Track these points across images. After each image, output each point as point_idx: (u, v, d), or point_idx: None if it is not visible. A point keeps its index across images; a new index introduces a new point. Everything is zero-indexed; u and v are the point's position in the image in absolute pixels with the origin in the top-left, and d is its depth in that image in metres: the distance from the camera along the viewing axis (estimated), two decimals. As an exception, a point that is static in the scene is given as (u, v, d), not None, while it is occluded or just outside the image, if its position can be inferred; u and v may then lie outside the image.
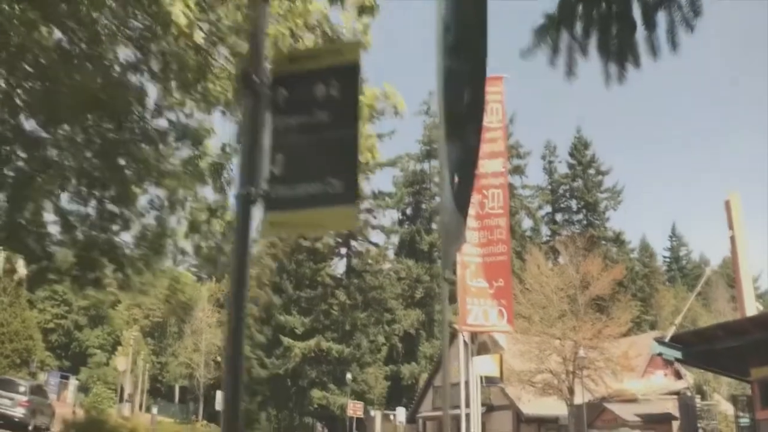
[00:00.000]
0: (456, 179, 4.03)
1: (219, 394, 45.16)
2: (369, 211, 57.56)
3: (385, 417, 44.30)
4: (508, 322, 16.81)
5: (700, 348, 21.75)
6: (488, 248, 16.69)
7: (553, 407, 30.51)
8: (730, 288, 54.43)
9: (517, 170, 63.01)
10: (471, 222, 15.60)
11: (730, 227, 24.35)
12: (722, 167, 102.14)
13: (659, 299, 60.16)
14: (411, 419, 41.10)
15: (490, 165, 17.18)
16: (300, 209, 2.97)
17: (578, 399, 26.49)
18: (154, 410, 42.79)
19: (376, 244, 59.69)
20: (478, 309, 15.92)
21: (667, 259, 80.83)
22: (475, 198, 15.74)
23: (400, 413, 41.61)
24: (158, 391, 62.50)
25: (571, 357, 26.97)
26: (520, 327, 27.46)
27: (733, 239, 24.31)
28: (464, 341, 19.43)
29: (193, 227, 8.49)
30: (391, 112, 7.75)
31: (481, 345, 22.33)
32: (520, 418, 31.47)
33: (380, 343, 53.84)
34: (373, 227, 59.92)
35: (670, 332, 21.91)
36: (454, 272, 16.01)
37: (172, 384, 62.19)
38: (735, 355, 22.20)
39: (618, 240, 66.18)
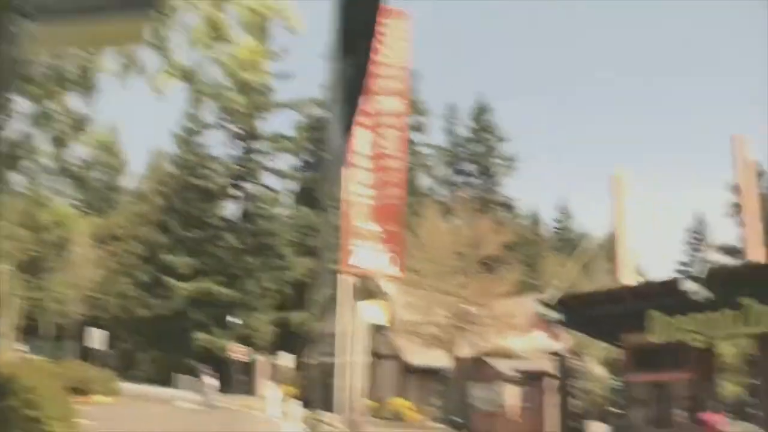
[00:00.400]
0: (343, 97, 3.82)
1: (92, 331, 42.82)
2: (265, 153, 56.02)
3: (271, 362, 43.87)
4: (400, 270, 16.55)
5: (580, 312, 22.70)
6: (382, 190, 16.15)
7: (438, 359, 31.29)
8: (612, 262, 58.12)
9: (419, 127, 63.18)
10: (363, 161, 14.92)
11: (615, 201, 25.37)
12: (609, 143, 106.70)
13: (545, 266, 63.04)
14: (298, 365, 40.87)
15: (388, 103, 16.46)
16: (76, 18, 2.21)
17: (462, 353, 27.21)
18: (25, 348, 39.96)
19: (271, 189, 58.20)
20: (365, 252, 15.42)
21: (556, 231, 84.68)
22: (367, 136, 15.02)
23: (286, 358, 41.28)
24: (33, 329, 58.55)
25: (459, 312, 27.54)
26: (411, 280, 27.59)
27: (616, 213, 25.35)
28: (349, 285, 18.90)
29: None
30: (285, 30, 6.91)
31: (368, 292, 22.10)
32: (406, 369, 31.98)
33: (270, 289, 52.93)
34: (269, 170, 58.36)
35: (553, 295, 22.61)
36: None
37: (48, 321, 58.46)
38: (611, 321, 23.35)
39: (510, 206, 68.50)
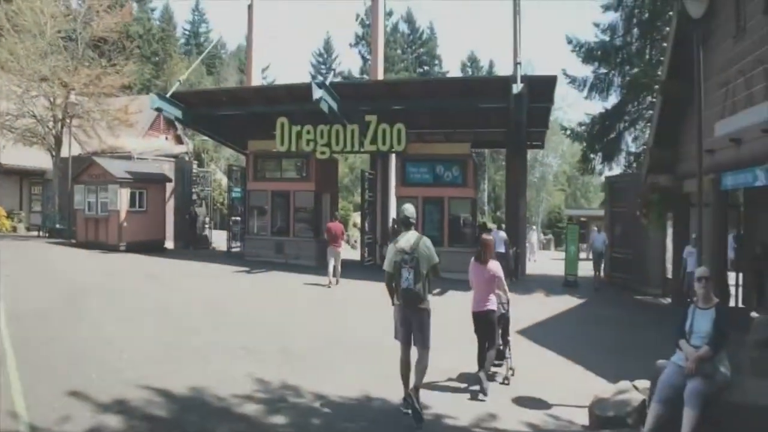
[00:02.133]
0: None
1: None
2: None
3: None
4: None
5: (203, 111, 20.95)
6: None
7: (39, 159, 26.47)
8: (241, 73, 57.15)
9: None
10: None
11: (250, 11, 23.51)
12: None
13: (172, 66, 58.75)
14: None
15: None
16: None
17: (67, 151, 23.29)
18: None
19: None
20: None
21: (187, 32, 79.43)
22: None
23: None
24: None
25: (62, 103, 23.04)
26: (-1, 60, 21.87)
27: (250, 8, 23.54)
28: None
29: None
30: None
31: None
32: (-3, 169, 26.32)
33: None
34: None
35: (173, 91, 20.19)
36: None
37: None
38: (236, 125, 22.22)
39: (140, -4, 60.75)
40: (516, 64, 15.91)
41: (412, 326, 6.00)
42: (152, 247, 20.94)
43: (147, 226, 21.28)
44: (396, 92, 18.42)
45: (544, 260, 28.74)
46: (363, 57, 68.02)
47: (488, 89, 17.29)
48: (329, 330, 10.14)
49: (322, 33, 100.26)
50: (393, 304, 6.15)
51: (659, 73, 19.38)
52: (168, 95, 19.84)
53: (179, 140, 36.59)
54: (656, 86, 19.16)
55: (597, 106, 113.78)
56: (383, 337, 7.19)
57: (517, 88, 14.93)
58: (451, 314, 8.85)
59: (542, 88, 16.20)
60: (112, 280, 13.91)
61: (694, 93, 7.77)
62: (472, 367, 7.28)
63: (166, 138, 33.98)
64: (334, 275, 15.14)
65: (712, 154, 11.75)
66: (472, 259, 7.38)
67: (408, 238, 6.06)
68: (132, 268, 16.34)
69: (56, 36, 23.39)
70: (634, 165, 24.06)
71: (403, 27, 73.63)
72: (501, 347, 7.58)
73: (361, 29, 71.09)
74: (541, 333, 10.72)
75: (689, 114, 13.94)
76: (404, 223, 6.24)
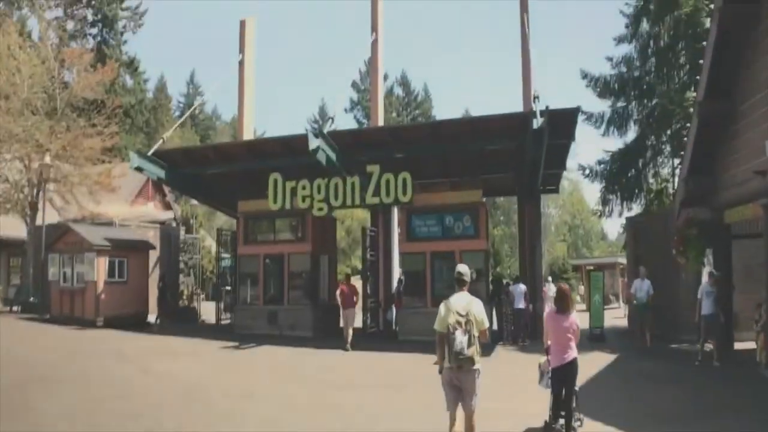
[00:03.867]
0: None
1: None
2: None
3: None
4: None
5: (189, 170, 19.27)
6: None
7: (18, 227, 24.58)
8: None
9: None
10: None
11: (241, 51, 22.30)
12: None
13: (164, 135, 57.81)
14: None
15: None
16: None
17: (48, 218, 21.56)
18: None
19: None
20: None
21: (182, 104, 79.56)
22: None
23: None
24: None
25: (40, 167, 21.40)
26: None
27: (241, 63, 22.31)
28: None
29: None
30: None
31: None
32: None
33: None
34: None
35: (154, 148, 18.62)
36: None
37: None
38: (225, 185, 20.54)
39: (132, 66, 60.37)
40: (534, 97, 14.29)
41: (462, 389, 5.89)
42: (133, 321, 18.82)
43: (127, 299, 19.24)
44: (399, 138, 16.76)
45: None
46: (358, 121, 67.84)
47: (501, 128, 15.66)
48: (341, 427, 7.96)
49: (317, 100, 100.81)
50: (440, 371, 6.01)
51: (688, 97, 18.00)
52: (149, 153, 18.20)
53: (169, 207, 34.94)
54: (686, 111, 17.77)
55: (610, 143, 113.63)
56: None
57: (537, 122, 13.28)
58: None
59: (562, 123, 14.59)
60: (72, 362, 11.77)
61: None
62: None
63: (154, 205, 32.34)
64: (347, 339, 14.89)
65: (764, 176, 10.26)
66: (549, 311, 7.17)
67: (461, 299, 5.98)
68: (102, 346, 14.20)
69: (33, 95, 21.92)
70: (656, 203, 22.40)
71: (398, 90, 73.85)
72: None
73: (356, 94, 71.26)
74: (584, 400, 8.64)
75: (729, 136, 12.40)
76: (457, 282, 6.16)
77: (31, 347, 13.69)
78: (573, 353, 6.82)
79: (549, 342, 6.99)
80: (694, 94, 19.74)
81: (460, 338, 5.70)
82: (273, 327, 17.74)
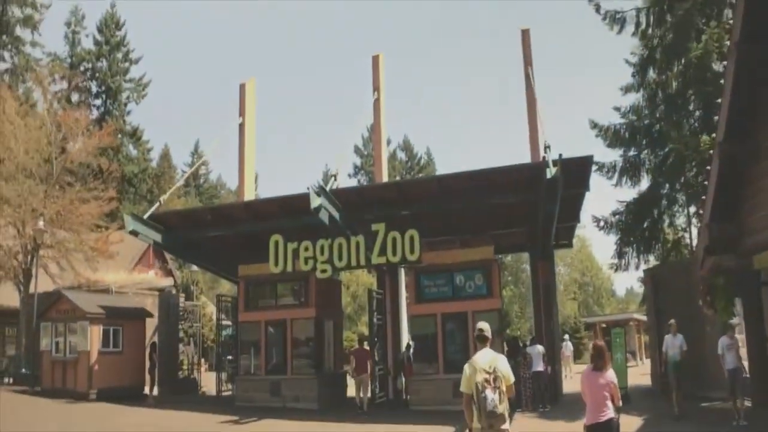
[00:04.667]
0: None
1: None
2: None
3: None
4: None
5: (186, 233, 18.58)
6: None
7: (11, 296, 23.74)
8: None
9: (28, 22, 50.57)
10: None
11: (241, 114, 22.07)
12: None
13: (167, 203, 57.52)
14: None
15: None
16: None
17: (44, 286, 20.79)
18: None
19: None
20: None
21: (185, 174, 79.75)
22: None
23: None
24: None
25: (35, 232, 20.76)
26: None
27: (241, 126, 22.03)
28: None
29: None
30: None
31: None
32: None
33: None
34: None
35: (151, 211, 18.02)
36: None
37: None
38: (224, 248, 19.86)
39: (135, 135, 60.80)
40: (545, 147, 13.71)
41: None
42: (129, 394, 17.73)
43: (123, 370, 18.22)
44: (405, 194, 16.05)
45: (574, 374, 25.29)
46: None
47: (512, 180, 15.01)
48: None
49: (320, 166, 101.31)
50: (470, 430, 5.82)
51: (704, 141, 17.40)
52: (145, 216, 17.55)
53: (170, 274, 34.13)
54: (702, 156, 17.12)
55: (622, 194, 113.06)
56: None
57: (550, 172, 12.64)
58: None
59: (575, 172, 13.93)
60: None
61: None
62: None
63: (155, 273, 31.52)
64: (362, 402, 15.24)
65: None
66: (586, 369, 6.81)
67: (485, 356, 5.88)
68: (89, 423, 13.12)
69: (28, 159, 21.48)
70: (673, 254, 21.48)
71: (401, 155, 74.08)
72: None
73: (359, 159, 71.50)
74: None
75: (753, 177, 11.67)
76: (479, 339, 6.09)
77: (8, 424, 12.58)
78: (610, 412, 6.50)
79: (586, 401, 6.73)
80: (710, 137, 19.29)
81: (491, 396, 5.55)
82: (276, 399, 16.63)
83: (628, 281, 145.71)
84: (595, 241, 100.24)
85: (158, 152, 69.87)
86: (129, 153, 59.61)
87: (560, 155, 12.79)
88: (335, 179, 16.32)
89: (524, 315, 67.45)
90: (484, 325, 6.12)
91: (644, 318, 38.06)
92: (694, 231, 21.06)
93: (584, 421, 6.68)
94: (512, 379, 5.85)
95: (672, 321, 13.29)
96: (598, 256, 72.60)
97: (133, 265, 30.76)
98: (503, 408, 5.61)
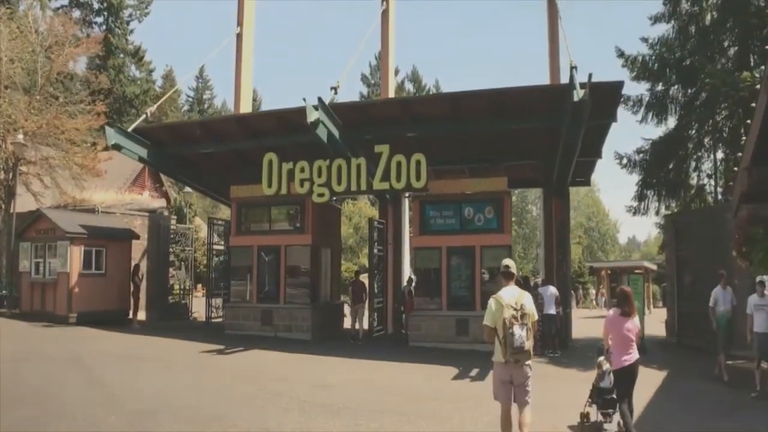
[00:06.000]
0: None
1: None
2: None
3: None
4: None
5: (174, 149, 17.17)
6: None
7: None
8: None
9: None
10: None
11: (239, 23, 20.27)
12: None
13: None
14: None
15: None
16: None
17: (27, 205, 19.63)
18: None
19: None
20: None
21: (191, 99, 77.84)
22: None
23: None
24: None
25: (15, 147, 19.40)
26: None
27: (239, 36, 20.28)
28: None
29: None
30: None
31: None
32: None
33: None
34: None
35: (136, 124, 16.61)
36: None
37: None
38: (216, 167, 18.44)
39: (138, 55, 58.58)
40: (571, 68, 12.05)
41: (515, 384, 5.73)
42: (112, 318, 16.80)
43: (106, 293, 17.18)
44: (413, 114, 14.51)
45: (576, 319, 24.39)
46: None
47: (533, 104, 13.48)
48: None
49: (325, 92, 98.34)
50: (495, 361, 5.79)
51: (744, 77, 15.73)
52: (130, 129, 16.15)
53: (165, 196, 32.93)
54: (740, 95, 15.49)
55: (647, 131, 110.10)
56: None
57: (578, 94, 11.11)
58: None
59: (603, 100, 12.38)
60: (13, 369, 9.68)
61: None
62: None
63: (151, 195, 30.30)
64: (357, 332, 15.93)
65: None
66: (611, 313, 6.92)
67: (512, 292, 5.80)
68: (62, 348, 12.09)
69: (9, 68, 19.88)
70: (696, 201, 20.08)
71: (409, 86, 71.42)
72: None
73: (366, 89, 69.04)
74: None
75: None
76: (505, 276, 6.01)
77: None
78: (636, 354, 6.74)
79: (609, 344, 6.85)
80: (751, 73, 17.51)
81: (519, 333, 5.57)
82: (267, 328, 15.69)
83: (631, 230, 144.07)
84: (602, 185, 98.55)
85: (161, 74, 67.99)
86: (131, 74, 57.35)
87: (590, 75, 11.23)
88: (336, 92, 14.68)
89: (527, 256, 66.71)
90: (510, 262, 6.05)
91: (654, 267, 37.18)
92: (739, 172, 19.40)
93: (612, 366, 6.81)
94: (536, 316, 5.83)
95: (722, 271, 11.65)
96: (606, 201, 71.03)
97: (127, 186, 29.54)
98: (530, 345, 5.61)
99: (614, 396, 6.98)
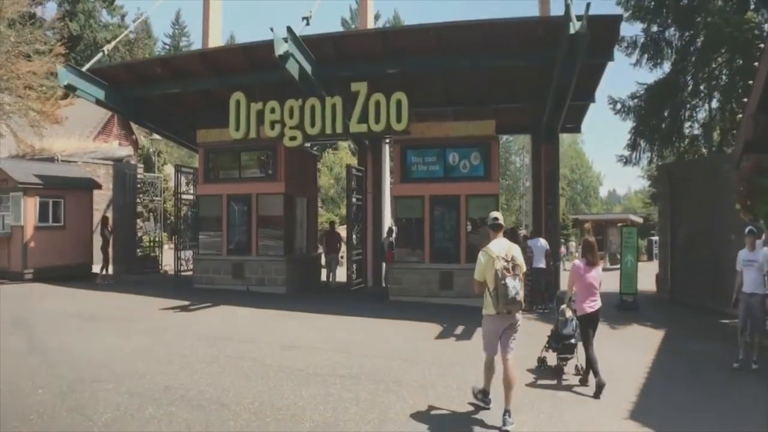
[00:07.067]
0: None
1: None
2: None
3: None
4: None
5: (134, 91, 15.77)
6: None
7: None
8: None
9: None
10: None
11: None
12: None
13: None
14: None
15: None
16: None
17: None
18: None
19: None
20: None
21: (167, 47, 74.87)
22: None
23: None
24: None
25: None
26: None
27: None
28: None
29: None
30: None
31: None
32: None
33: None
34: None
35: (91, 63, 15.17)
36: None
37: None
38: (180, 109, 17.13)
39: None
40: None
41: (504, 335, 5.74)
42: (73, 273, 15.76)
43: (65, 247, 16.07)
44: (394, 48, 13.18)
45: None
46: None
47: (525, 38, 12.29)
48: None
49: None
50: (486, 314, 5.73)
51: (749, 18, 14.62)
52: (85, 69, 14.73)
53: (135, 144, 31.41)
54: (744, 37, 14.42)
55: (641, 75, 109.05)
56: None
57: (574, 26, 9.97)
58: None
59: (600, 36, 11.24)
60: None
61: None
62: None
63: (120, 143, 28.75)
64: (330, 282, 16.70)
65: None
66: (577, 263, 7.06)
67: (501, 244, 5.77)
68: (7, 307, 11.04)
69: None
70: (689, 153, 19.14)
71: (391, 31, 69.11)
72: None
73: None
74: (672, 416, 5.79)
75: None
76: (493, 228, 5.91)
77: None
78: (599, 303, 6.99)
79: (574, 291, 7.07)
80: (756, 13, 16.39)
81: (512, 283, 5.51)
82: (238, 281, 14.77)
83: (611, 184, 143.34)
84: (586, 137, 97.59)
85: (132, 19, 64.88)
86: (102, 19, 54.54)
87: (588, 5, 10.06)
88: (308, 23, 13.26)
89: (510, 208, 66.18)
90: (498, 214, 6.03)
91: (640, 220, 36.54)
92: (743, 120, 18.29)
93: (576, 313, 7.06)
94: (525, 268, 5.79)
95: (752, 227, 8.93)
96: (588, 153, 69.92)
97: (95, 134, 27.99)
98: (522, 296, 5.56)
99: (572, 342, 7.34)
